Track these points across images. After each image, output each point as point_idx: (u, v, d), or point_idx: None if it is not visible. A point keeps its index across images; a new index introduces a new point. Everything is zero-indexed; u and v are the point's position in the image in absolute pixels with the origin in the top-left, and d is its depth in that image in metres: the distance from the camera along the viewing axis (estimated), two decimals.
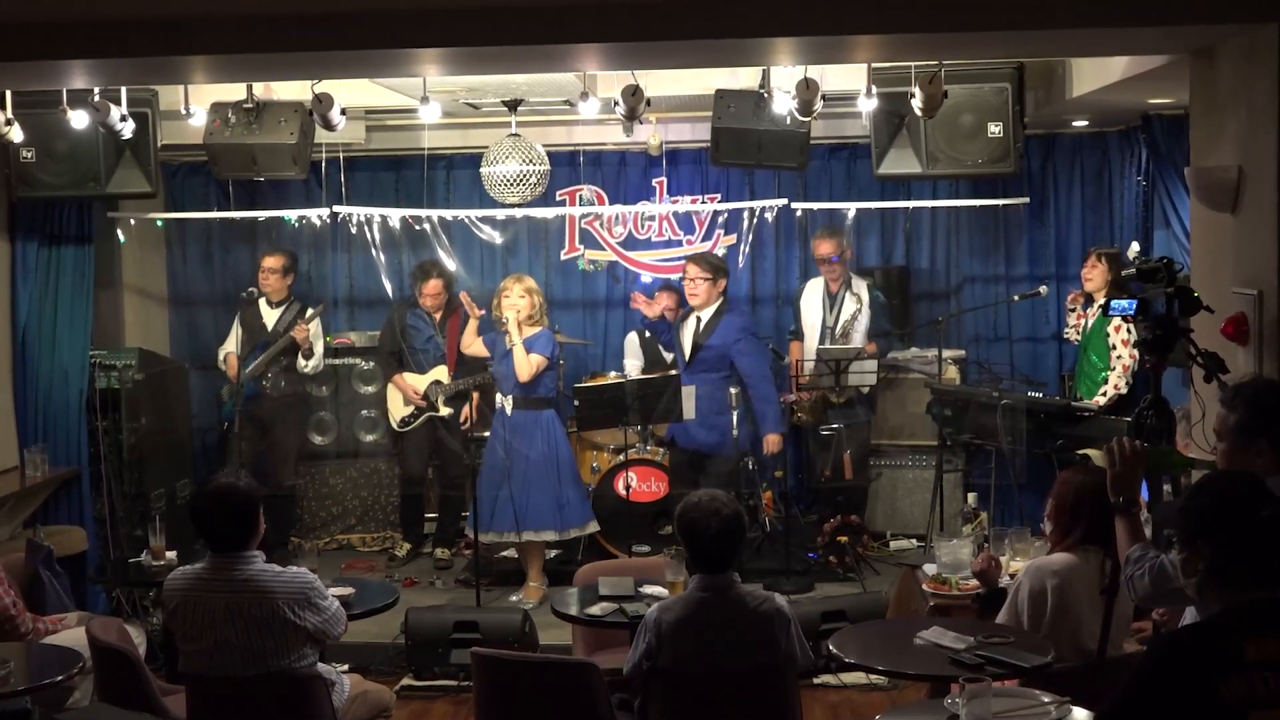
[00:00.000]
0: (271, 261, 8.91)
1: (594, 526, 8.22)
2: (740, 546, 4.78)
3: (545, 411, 8.12)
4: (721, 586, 4.65)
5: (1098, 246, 8.35)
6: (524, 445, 7.97)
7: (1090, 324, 8.07)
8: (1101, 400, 7.80)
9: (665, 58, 6.48)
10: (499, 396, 8.08)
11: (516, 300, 7.96)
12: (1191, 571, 3.19)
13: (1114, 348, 7.83)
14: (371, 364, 9.38)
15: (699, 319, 8.38)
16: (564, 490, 8.04)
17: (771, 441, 8.31)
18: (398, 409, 8.95)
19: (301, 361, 8.91)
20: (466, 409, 8.63)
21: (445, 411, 8.80)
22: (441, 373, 8.82)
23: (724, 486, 8.00)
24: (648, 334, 9.12)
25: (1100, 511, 4.68)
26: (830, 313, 8.70)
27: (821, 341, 8.65)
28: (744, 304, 9.40)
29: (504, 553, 8.42)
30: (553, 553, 8.47)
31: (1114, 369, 7.83)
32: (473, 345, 8.44)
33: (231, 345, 8.86)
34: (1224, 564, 3.13)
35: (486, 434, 8.31)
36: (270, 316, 8.91)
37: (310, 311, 8.91)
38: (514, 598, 8.02)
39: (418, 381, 8.84)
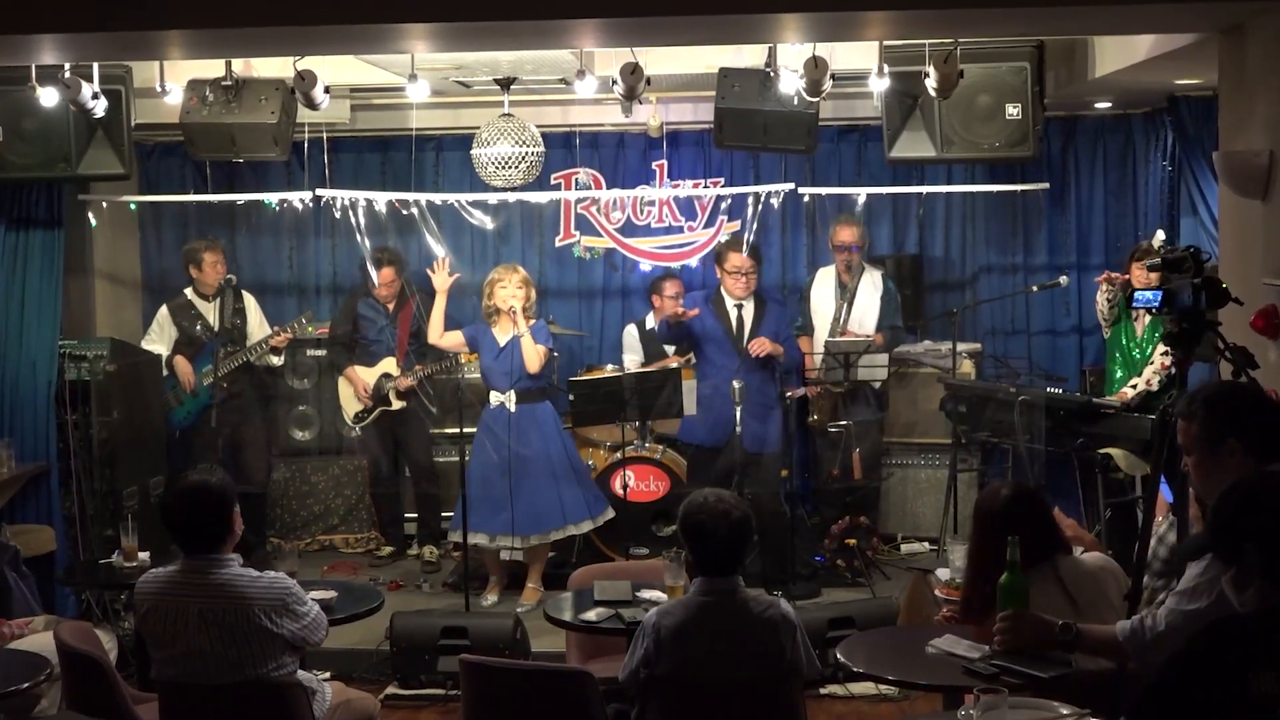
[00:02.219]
0: (214, 256, 8.85)
1: (611, 512, 8.24)
2: (747, 549, 4.78)
3: (543, 404, 8.15)
4: (725, 591, 4.65)
5: (1136, 249, 8.18)
6: (526, 443, 7.97)
7: (1147, 325, 7.99)
8: (1129, 393, 7.78)
9: (666, 34, 6.47)
10: (494, 394, 8.06)
11: (515, 291, 7.96)
12: (1246, 583, 3.20)
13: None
14: (330, 358, 9.34)
15: (740, 307, 8.32)
16: (573, 484, 8.09)
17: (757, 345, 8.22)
18: (350, 405, 8.98)
19: (273, 359, 8.92)
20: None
21: (398, 405, 8.82)
22: (390, 365, 8.84)
23: (765, 487, 8.07)
24: (649, 328, 9.12)
25: (1030, 529, 4.71)
26: (843, 304, 8.68)
27: (832, 334, 8.63)
28: (776, 292, 9.39)
29: (508, 556, 8.38)
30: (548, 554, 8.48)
31: (1152, 363, 7.81)
32: (446, 337, 8.29)
33: (164, 346, 8.84)
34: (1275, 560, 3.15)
35: (472, 430, 8.29)
36: (209, 310, 8.83)
37: (299, 316, 9.01)
38: (485, 600, 8.04)
39: (368, 376, 8.86)
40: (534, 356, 7.93)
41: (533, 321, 8.05)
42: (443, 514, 9.00)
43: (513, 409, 7.99)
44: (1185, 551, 4.21)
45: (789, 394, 8.61)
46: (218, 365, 8.44)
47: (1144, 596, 4.66)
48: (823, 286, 8.84)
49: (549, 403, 8.21)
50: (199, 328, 8.78)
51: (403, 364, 8.85)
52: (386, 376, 8.84)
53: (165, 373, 8.83)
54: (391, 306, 8.95)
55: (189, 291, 8.91)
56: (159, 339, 8.91)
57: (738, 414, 7.72)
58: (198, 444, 8.76)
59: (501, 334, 8.01)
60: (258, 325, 8.98)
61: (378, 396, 8.84)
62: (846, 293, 8.68)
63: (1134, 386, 7.83)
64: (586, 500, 8.14)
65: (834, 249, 8.75)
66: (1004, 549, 4.52)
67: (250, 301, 9.08)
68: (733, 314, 8.28)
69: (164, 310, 8.96)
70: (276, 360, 8.98)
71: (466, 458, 8.03)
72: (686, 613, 4.62)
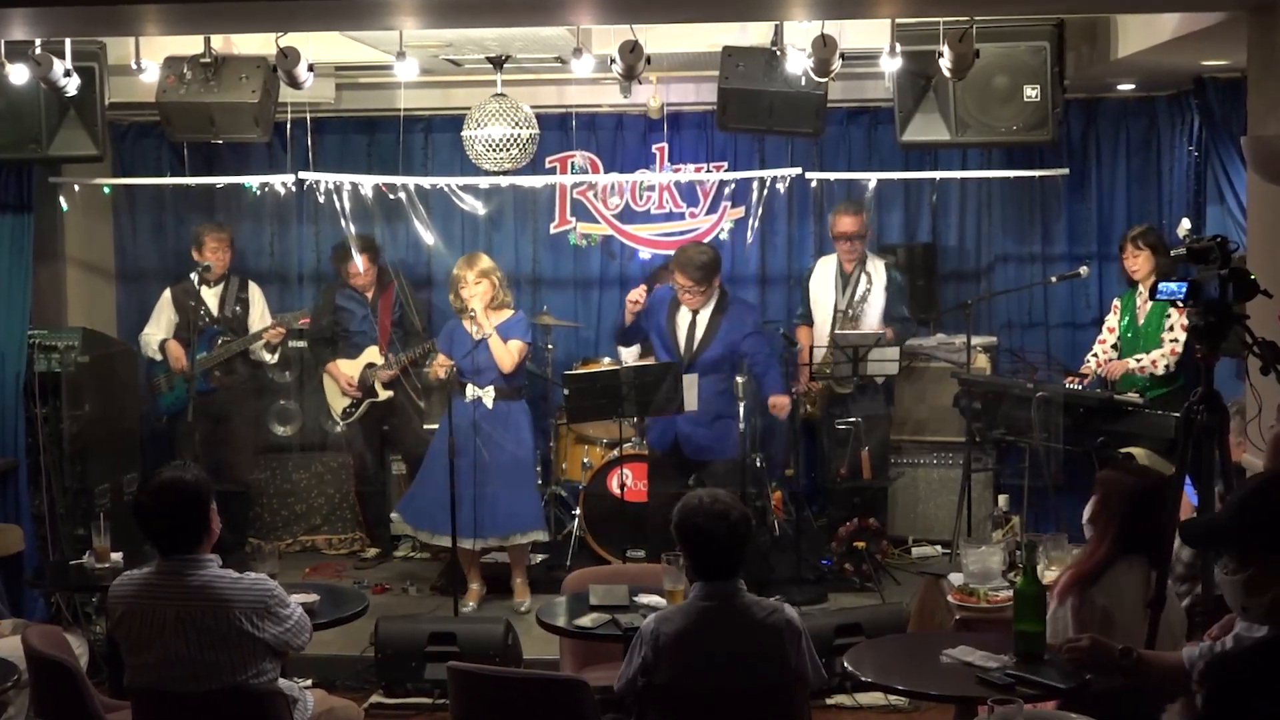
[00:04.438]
0: (216, 242, 8.85)
1: (544, 535, 8.25)
2: (747, 551, 4.78)
3: (517, 403, 8.15)
4: (726, 595, 4.65)
5: (1133, 230, 8.26)
6: (503, 439, 7.98)
7: (1147, 314, 8.02)
8: (1131, 364, 7.81)
9: (667, 11, 6.46)
10: (470, 388, 8.02)
11: (473, 289, 7.92)
12: (1263, 588, 3.19)
13: (1170, 328, 7.80)
14: (313, 354, 9.34)
15: (694, 314, 8.19)
16: (528, 490, 8.15)
17: (779, 404, 8.16)
18: (337, 401, 8.98)
19: (266, 355, 8.93)
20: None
21: (385, 395, 8.83)
22: (373, 354, 8.85)
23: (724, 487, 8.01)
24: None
25: (1148, 517, 4.71)
26: (843, 294, 8.67)
27: (834, 326, 8.62)
28: (750, 286, 9.37)
29: (494, 557, 8.38)
30: (539, 558, 8.48)
31: (1161, 348, 7.82)
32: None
33: (161, 330, 8.86)
34: None
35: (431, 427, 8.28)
36: (211, 297, 8.86)
37: (295, 312, 9.04)
38: (466, 607, 8.03)
39: (351, 368, 8.87)
40: (505, 356, 7.91)
41: (509, 314, 8.03)
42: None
43: (490, 405, 7.97)
44: (1196, 533, 4.12)
45: (794, 390, 8.57)
46: (196, 352, 8.44)
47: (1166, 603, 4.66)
48: (823, 276, 8.82)
49: (524, 401, 8.21)
50: (200, 313, 8.77)
51: (386, 352, 8.85)
52: (370, 366, 8.84)
53: (159, 357, 8.83)
54: (370, 294, 8.95)
55: (195, 276, 8.90)
56: (158, 323, 8.92)
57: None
58: (176, 438, 8.76)
59: (474, 330, 7.99)
60: (259, 317, 9.00)
61: (364, 388, 8.85)
62: (847, 282, 8.67)
63: (1138, 360, 7.85)
64: (533, 511, 8.13)
65: (834, 239, 8.73)
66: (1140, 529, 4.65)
67: (255, 292, 9.10)
68: (684, 319, 8.18)
69: (167, 293, 9.00)
70: (270, 357, 8.99)
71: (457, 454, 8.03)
72: (686, 619, 4.62)
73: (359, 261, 8.79)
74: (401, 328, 8.96)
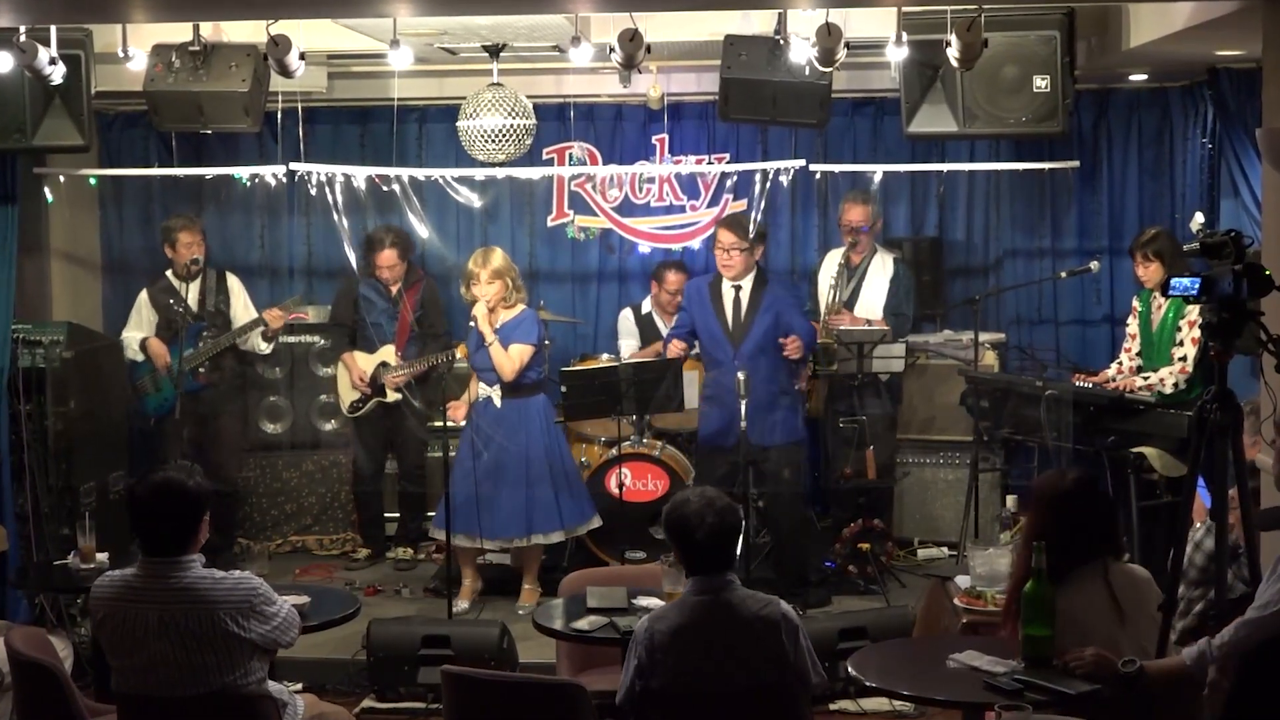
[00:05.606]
0: (192, 237, 8.81)
1: (597, 521, 8.24)
2: (737, 544, 4.79)
3: (535, 399, 8.12)
4: (719, 589, 4.66)
5: (1143, 237, 8.11)
6: (515, 439, 7.97)
7: (1165, 315, 7.95)
8: (1138, 382, 7.72)
9: None
10: (481, 386, 8.04)
11: (485, 288, 7.90)
12: None
13: (1180, 344, 7.69)
14: (330, 342, 9.33)
15: (738, 289, 8.16)
16: (566, 484, 8.12)
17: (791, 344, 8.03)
18: (347, 392, 8.96)
19: (263, 345, 8.90)
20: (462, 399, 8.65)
21: (394, 397, 8.81)
22: (389, 353, 8.82)
23: (782, 487, 8.08)
24: (645, 313, 9.12)
25: (1090, 518, 4.71)
26: (845, 286, 8.65)
27: (829, 313, 8.58)
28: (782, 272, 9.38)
29: (489, 559, 8.37)
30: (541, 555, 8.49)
31: (1171, 364, 7.73)
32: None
33: (141, 330, 8.85)
34: None
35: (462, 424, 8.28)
36: (190, 292, 8.81)
37: (290, 299, 9.04)
38: (459, 605, 8.01)
39: (366, 363, 8.85)
40: (505, 363, 7.88)
41: (518, 310, 8.02)
42: (428, 513, 9.00)
43: (499, 404, 7.97)
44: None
45: (799, 387, 8.56)
46: (182, 349, 8.41)
47: (1179, 608, 4.66)
48: (829, 269, 8.80)
49: (542, 396, 8.18)
50: (179, 311, 8.73)
51: (402, 353, 8.82)
52: (384, 365, 8.81)
53: (141, 357, 8.81)
54: (395, 289, 8.92)
55: (170, 273, 8.88)
56: (138, 324, 8.89)
57: (742, 408, 7.61)
58: (165, 437, 8.75)
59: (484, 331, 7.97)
60: (242, 310, 8.95)
61: (374, 386, 8.82)
62: (853, 273, 8.64)
63: (1145, 379, 7.77)
64: (561, 508, 8.08)
65: (842, 228, 8.72)
66: (1066, 535, 4.55)
67: (235, 284, 9.04)
68: (728, 298, 8.14)
69: (144, 294, 8.96)
70: (266, 347, 8.96)
71: (451, 453, 8.03)
72: (680, 615, 4.63)
73: (384, 255, 8.77)
74: (421, 327, 8.91)
